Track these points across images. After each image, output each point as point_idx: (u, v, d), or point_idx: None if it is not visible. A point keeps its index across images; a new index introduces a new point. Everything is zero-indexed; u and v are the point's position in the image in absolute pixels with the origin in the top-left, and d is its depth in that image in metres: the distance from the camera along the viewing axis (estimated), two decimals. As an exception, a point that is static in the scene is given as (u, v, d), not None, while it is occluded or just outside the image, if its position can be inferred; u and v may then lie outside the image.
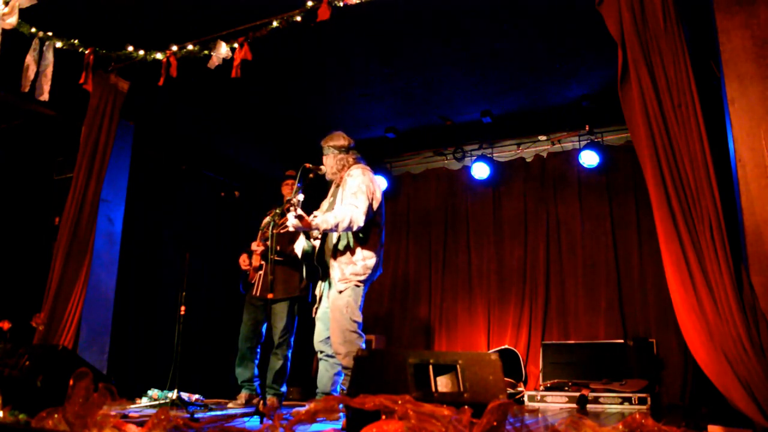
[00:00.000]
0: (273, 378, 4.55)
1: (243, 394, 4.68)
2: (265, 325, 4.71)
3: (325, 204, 3.95)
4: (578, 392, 5.16)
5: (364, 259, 3.62)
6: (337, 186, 3.84)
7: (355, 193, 3.59)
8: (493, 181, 6.77)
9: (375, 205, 3.67)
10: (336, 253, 3.66)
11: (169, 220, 6.19)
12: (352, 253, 3.62)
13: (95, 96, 4.63)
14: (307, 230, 3.59)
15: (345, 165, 3.81)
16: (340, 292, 3.56)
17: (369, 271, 3.64)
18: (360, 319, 3.58)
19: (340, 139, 3.86)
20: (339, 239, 3.67)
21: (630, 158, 5.96)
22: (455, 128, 6.54)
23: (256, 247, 4.74)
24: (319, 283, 3.86)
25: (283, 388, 4.65)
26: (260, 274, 4.79)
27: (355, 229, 3.53)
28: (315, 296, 3.89)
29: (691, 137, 2.91)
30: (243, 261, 4.81)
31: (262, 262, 4.75)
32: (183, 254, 4.65)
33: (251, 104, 5.97)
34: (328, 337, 3.63)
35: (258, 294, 4.74)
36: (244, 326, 4.76)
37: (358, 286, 3.60)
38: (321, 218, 3.48)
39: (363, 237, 3.64)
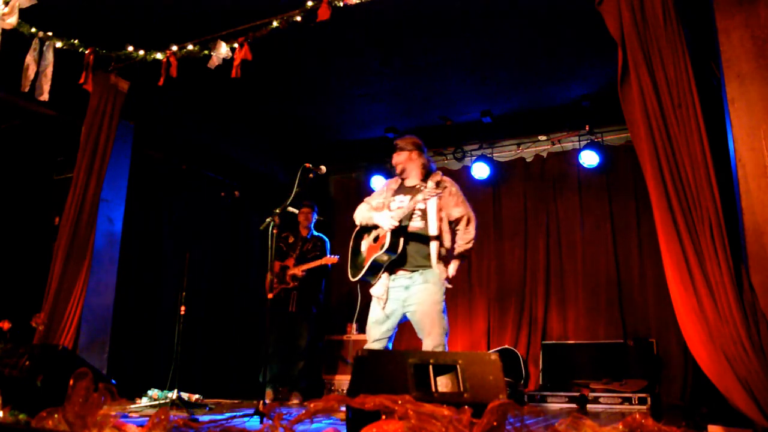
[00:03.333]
0: (298, 375, 5.41)
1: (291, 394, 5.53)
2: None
3: (396, 201, 3.77)
4: (578, 392, 5.16)
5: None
6: (414, 187, 3.71)
7: (465, 201, 3.89)
8: (493, 181, 6.77)
9: None
10: (429, 252, 3.64)
11: (169, 220, 6.18)
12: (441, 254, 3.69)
13: (95, 96, 4.63)
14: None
15: (426, 167, 3.80)
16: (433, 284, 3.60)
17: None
18: None
19: (417, 139, 3.81)
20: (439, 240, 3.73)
21: (630, 158, 5.95)
22: (455, 128, 6.53)
23: (294, 270, 5.51)
24: (383, 279, 3.66)
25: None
26: (285, 291, 5.59)
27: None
28: (377, 297, 3.69)
29: (691, 137, 2.90)
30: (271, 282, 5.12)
31: (292, 282, 5.57)
32: (183, 254, 4.65)
33: (251, 104, 5.96)
34: (392, 336, 3.72)
35: (288, 309, 5.55)
36: (273, 337, 5.37)
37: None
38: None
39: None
